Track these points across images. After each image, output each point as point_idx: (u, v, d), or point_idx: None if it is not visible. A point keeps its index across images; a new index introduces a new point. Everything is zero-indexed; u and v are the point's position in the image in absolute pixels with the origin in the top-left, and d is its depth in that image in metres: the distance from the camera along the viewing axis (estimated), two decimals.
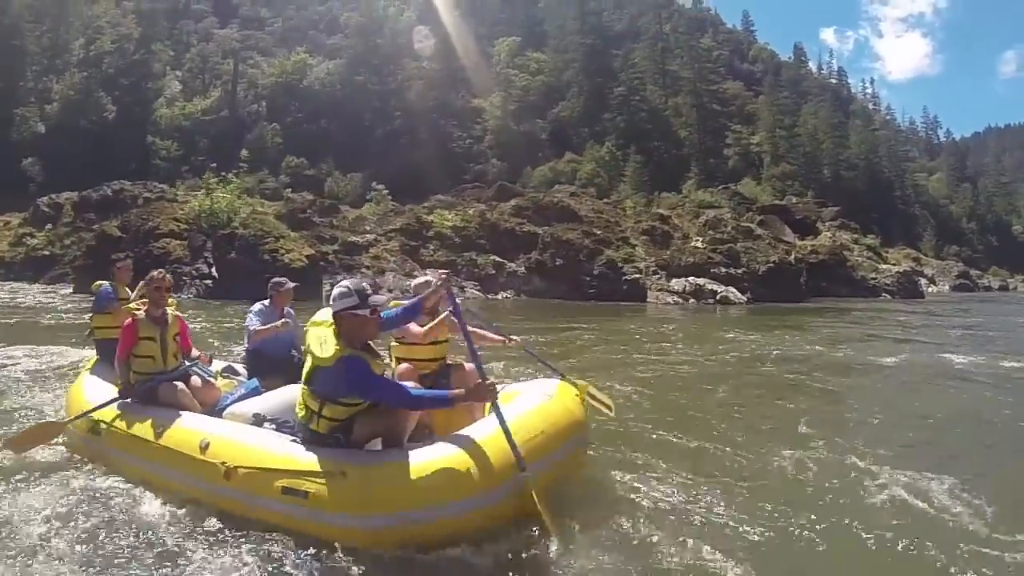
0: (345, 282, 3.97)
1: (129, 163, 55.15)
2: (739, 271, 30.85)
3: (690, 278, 28.26)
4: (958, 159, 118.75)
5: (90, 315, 6.94)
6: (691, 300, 27.42)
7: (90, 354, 10.00)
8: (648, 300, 27.21)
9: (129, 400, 5.01)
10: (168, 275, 5.39)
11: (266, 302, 6.24)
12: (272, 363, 5.91)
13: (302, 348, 6.07)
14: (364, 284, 3.96)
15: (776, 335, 15.38)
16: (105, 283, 6.92)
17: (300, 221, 29.43)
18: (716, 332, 16.27)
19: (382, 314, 4.09)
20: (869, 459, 5.22)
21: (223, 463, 3.87)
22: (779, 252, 33.88)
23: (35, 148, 58.56)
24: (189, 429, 4.40)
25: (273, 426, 4.46)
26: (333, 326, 3.85)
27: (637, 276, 27.61)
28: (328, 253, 26.60)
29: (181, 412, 4.69)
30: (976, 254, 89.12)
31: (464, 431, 3.92)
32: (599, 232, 29.14)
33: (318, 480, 3.58)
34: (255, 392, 5.18)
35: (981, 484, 4.70)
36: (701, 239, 32.30)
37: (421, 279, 5.34)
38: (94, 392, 5.38)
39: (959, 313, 26.93)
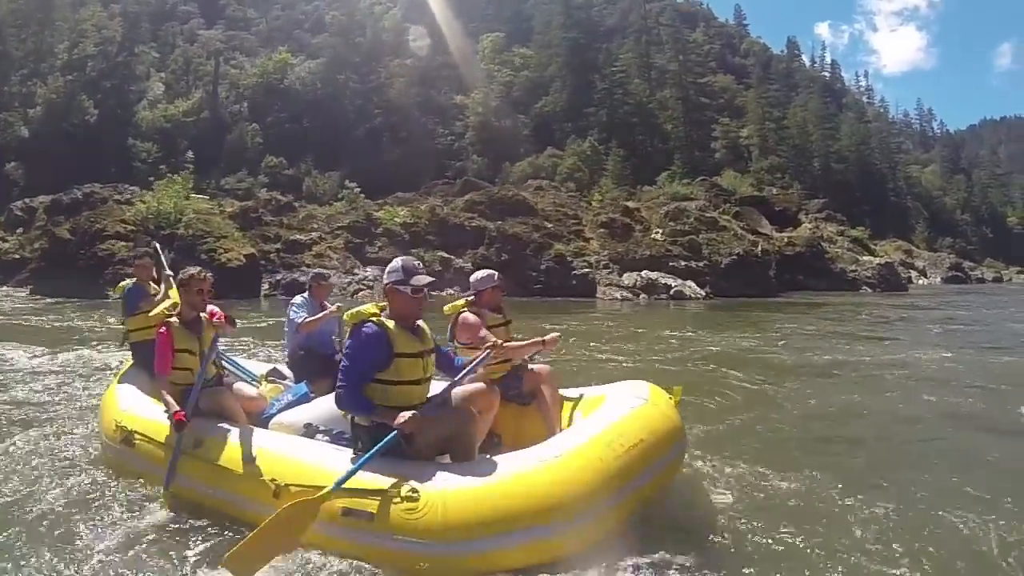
0: (399, 258, 3.82)
1: (110, 166, 55.12)
2: (700, 264, 30.22)
3: (644, 272, 27.66)
4: (952, 151, 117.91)
5: (122, 320, 6.48)
6: (642, 295, 26.83)
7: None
8: (597, 296, 26.71)
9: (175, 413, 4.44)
10: (207, 274, 4.77)
11: (305, 295, 5.86)
12: (321, 362, 5.52)
13: (337, 344, 5.87)
14: (416, 262, 3.76)
15: (715, 332, 14.60)
16: (128, 282, 6.46)
17: (251, 220, 29.33)
18: (654, 329, 15.35)
19: (454, 359, 3.91)
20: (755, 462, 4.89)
21: (272, 480, 3.52)
22: (745, 244, 33.12)
23: (18, 152, 58.67)
24: (232, 442, 3.99)
25: (327, 437, 4.09)
26: (384, 303, 3.71)
27: (587, 270, 27.13)
28: (270, 252, 26.39)
29: (223, 422, 4.26)
30: (970, 246, 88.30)
31: (551, 443, 3.56)
32: (551, 226, 28.71)
33: (384, 500, 3.17)
34: (304, 398, 4.78)
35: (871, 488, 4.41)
36: (661, 231, 31.67)
37: (482, 274, 4.88)
38: (129, 401, 4.93)
39: (937, 306, 26.22)
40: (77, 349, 10.78)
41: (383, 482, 3.22)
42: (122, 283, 6.53)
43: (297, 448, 3.80)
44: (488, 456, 3.51)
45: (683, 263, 29.57)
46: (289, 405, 4.65)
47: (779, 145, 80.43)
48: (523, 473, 3.20)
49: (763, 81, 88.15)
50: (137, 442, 4.41)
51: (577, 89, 72.58)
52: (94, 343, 11.53)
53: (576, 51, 75.29)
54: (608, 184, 55.05)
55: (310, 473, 3.47)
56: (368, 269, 25.76)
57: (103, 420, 4.99)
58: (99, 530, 3.77)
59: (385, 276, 3.71)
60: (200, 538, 3.63)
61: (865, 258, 48.05)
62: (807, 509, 4.07)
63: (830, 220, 60.02)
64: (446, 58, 68.86)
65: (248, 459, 3.76)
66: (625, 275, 27.78)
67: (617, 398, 4.19)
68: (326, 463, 3.52)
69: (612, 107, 71.91)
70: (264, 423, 4.45)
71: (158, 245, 6.82)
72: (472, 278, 4.89)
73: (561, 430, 4.34)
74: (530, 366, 4.68)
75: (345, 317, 3.62)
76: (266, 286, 25.05)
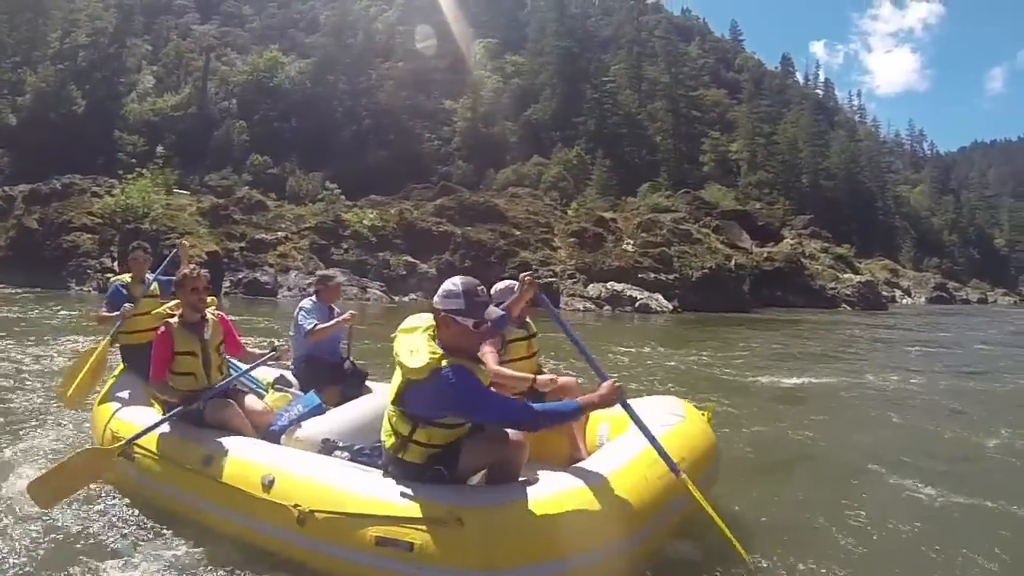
0: (457, 279, 3.21)
1: (97, 157, 55.06)
2: (670, 277, 30.11)
3: (610, 283, 27.58)
4: (942, 172, 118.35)
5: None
6: (606, 307, 26.70)
7: None
8: (560, 306, 26.56)
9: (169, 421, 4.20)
10: (204, 272, 4.46)
11: (313, 299, 5.48)
12: (328, 370, 5.25)
13: (344, 352, 5.54)
14: (479, 286, 3.21)
15: (672, 348, 14.05)
16: (119, 278, 5.92)
17: (221, 217, 29.30)
18: (608, 343, 14.49)
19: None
20: None
21: (296, 505, 3.19)
22: (718, 257, 33.00)
23: (6, 140, 58.47)
24: (246, 460, 3.65)
25: (346, 454, 3.80)
26: (430, 329, 3.16)
27: (552, 280, 26.95)
28: (234, 250, 26.32)
29: (233, 437, 3.92)
30: (957, 267, 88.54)
31: (595, 461, 3.36)
32: (519, 233, 28.58)
33: (425, 528, 2.89)
34: (317, 410, 4.45)
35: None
36: (633, 242, 31.60)
37: (502, 285, 4.57)
38: (126, 410, 4.57)
39: (914, 327, 25.83)
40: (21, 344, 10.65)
41: (422, 509, 2.94)
42: (114, 278, 6.05)
43: (321, 469, 3.47)
44: (531, 477, 3.24)
45: (652, 275, 29.43)
46: (301, 417, 4.35)
47: (768, 160, 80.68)
48: (572, 495, 2.99)
49: (755, 96, 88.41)
50: (137, 455, 4.05)
51: (567, 98, 72.75)
52: (32, 339, 11.29)
53: (568, 60, 75.49)
54: (592, 194, 55.16)
55: (339, 498, 3.17)
56: (330, 271, 25.65)
57: (96, 429, 4.65)
58: (97, 549, 3.52)
59: (439, 300, 3.13)
60: (212, 564, 3.39)
61: (846, 275, 47.97)
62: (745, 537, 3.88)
63: (815, 237, 60.01)
64: (437, 62, 68.98)
65: (267, 481, 3.42)
66: (591, 286, 27.68)
67: (651, 415, 3.87)
68: (355, 486, 3.23)
69: (601, 117, 72.11)
70: (273, 436, 4.18)
71: (184, 243, 6.25)
72: (493, 290, 4.50)
73: (587, 446, 4.26)
74: (561, 379, 4.49)
75: (413, 374, 3.01)
76: (227, 284, 24.98)
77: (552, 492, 3.01)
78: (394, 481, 3.18)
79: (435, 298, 3.16)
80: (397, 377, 3.11)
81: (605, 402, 3.20)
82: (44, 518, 3.80)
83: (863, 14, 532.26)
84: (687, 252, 31.83)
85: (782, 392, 9.45)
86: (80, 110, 62.43)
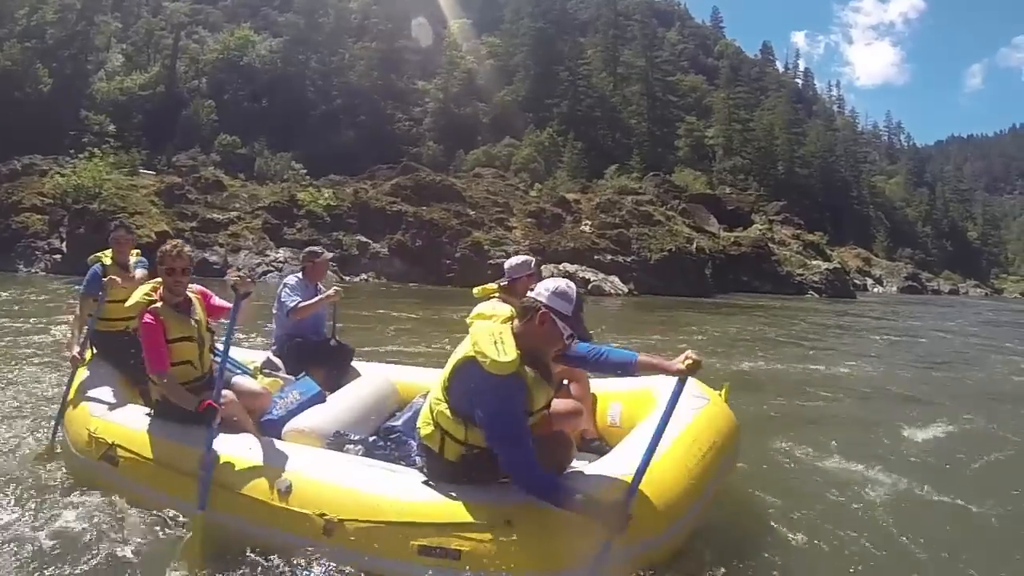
0: (572, 284, 2.99)
1: (63, 137, 54.14)
2: (628, 259, 30.05)
3: (563, 264, 27.54)
4: (917, 164, 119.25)
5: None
6: None
7: None
8: None
9: (152, 413, 3.80)
10: (187, 249, 3.97)
11: (298, 275, 5.20)
12: (314, 350, 4.98)
13: (329, 331, 5.27)
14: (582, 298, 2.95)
15: (618, 332, 13.80)
16: (98, 257, 5.28)
17: (176, 197, 28.96)
18: None
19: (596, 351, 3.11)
20: None
21: (321, 514, 2.90)
22: (679, 240, 32.85)
23: None
24: (254, 462, 3.25)
25: (360, 448, 3.53)
26: (510, 324, 2.87)
27: (503, 260, 26.85)
28: (185, 230, 26.04)
29: (232, 435, 3.47)
30: (929, 258, 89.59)
31: (633, 448, 3.14)
32: (473, 213, 28.40)
33: (473, 534, 2.69)
34: (318, 398, 4.09)
35: None
36: (591, 223, 31.49)
37: (518, 260, 4.41)
38: (107, 406, 4.09)
39: (880, 315, 25.74)
40: None
41: (468, 513, 2.76)
42: (96, 254, 5.32)
43: (345, 471, 3.15)
44: (574, 470, 3.07)
45: (609, 257, 29.36)
46: (302, 406, 4.00)
47: (744, 147, 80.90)
48: (617, 487, 2.83)
49: (732, 82, 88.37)
50: (122, 459, 3.59)
51: (541, 79, 72.52)
52: None
53: (543, 41, 75.11)
54: (563, 176, 55.04)
55: (370, 504, 2.89)
56: (281, 251, 25.53)
57: (70, 427, 4.13)
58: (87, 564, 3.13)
59: (546, 295, 2.85)
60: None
61: (814, 262, 48.05)
62: None
63: (787, 223, 60.18)
64: (410, 42, 68.38)
65: (283, 486, 3.07)
66: (543, 267, 27.59)
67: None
68: (387, 491, 2.94)
69: (574, 99, 72.01)
70: (270, 427, 3.82)
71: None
72: (507, 264, 4.38)
73: (596, 426, 4.18)
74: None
75: (496, 368, 2.70)
76: None
77: (596, 486, 2.88)
78: (430, 483, 2.97)
79: (539, 288, 2.90)
80: (455, 360, 2.88)
81: (604, 523, 2.67)
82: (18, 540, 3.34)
83: (845, 6, 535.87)
84: (646, 234, 31.65)
85: (730, 377, 8.90)
86: (47, 89, 61.33)
